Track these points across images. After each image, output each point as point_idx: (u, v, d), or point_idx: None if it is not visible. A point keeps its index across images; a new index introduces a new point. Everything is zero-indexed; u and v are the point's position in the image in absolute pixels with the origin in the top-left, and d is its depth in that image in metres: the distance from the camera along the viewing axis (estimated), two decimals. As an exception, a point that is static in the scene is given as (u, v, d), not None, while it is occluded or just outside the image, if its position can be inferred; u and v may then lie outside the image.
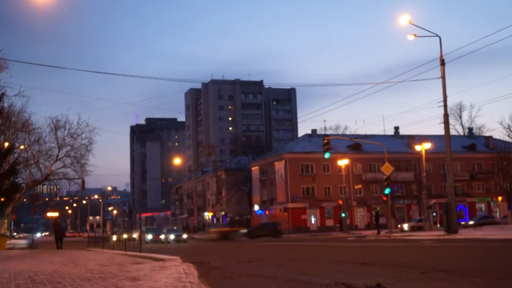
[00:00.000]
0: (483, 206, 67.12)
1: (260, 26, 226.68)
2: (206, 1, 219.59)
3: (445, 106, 27.78)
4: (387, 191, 38.07)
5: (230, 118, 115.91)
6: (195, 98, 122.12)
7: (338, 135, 68.14)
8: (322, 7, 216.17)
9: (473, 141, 70.88)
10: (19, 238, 43.00)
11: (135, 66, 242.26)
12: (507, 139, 64.09)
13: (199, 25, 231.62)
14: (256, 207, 69.78)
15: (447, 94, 27.60)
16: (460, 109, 79.43)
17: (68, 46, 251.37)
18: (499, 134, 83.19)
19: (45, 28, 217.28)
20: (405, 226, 46.97)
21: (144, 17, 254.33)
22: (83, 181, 43.35)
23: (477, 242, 19.89)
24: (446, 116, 27.96)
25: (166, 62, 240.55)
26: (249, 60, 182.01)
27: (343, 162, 53.42)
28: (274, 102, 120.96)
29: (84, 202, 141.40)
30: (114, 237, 52.92)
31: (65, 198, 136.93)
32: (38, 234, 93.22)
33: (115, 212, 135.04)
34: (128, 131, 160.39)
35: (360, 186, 64.13)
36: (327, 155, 40.33)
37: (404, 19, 26.66)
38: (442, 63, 27.41)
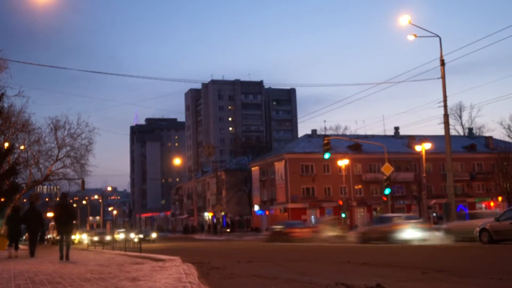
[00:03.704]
0: (483, 206, 67.10)
1: (261, 30, 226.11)
2: (207, 4, 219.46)
3: (445, 106, 27.74)
4: (387, 191, 38.16)
5: (230, 119, 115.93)
6: (195, 98, 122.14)
7: (338, 135, 68.08)
8: (322, 10, 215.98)
9: (473, 141, 70.87)
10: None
11: (136, 67, 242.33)
12: (507, 139, 64.12)
13: (200, 27, 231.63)
14: (256, 208, 69.73)
15: (447, 94, 27.58)
16: (460, 109, 79.46)
17: (75, 51, 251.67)
18: (499, 134, 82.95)
19: (45, 30, 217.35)
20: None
21: (146, 20, 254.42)
22: (83, 182, 43.32)
23: (477, 243, 19.86)
24: (446, 116, 27.92)
25: (166, 63, 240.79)
26: (250, 66, 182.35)
27: (343, 163, 53.35)
28: (274, 103, 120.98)
29: (84, 202, 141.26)
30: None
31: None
32: None
33: (115, 212, 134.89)
34: (128, 131, 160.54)
35: (360, 186, 64.11)
36: (327, 156, 40.27)
37: (404, 19, 26.62)
38: (442, 63, 27.37)
